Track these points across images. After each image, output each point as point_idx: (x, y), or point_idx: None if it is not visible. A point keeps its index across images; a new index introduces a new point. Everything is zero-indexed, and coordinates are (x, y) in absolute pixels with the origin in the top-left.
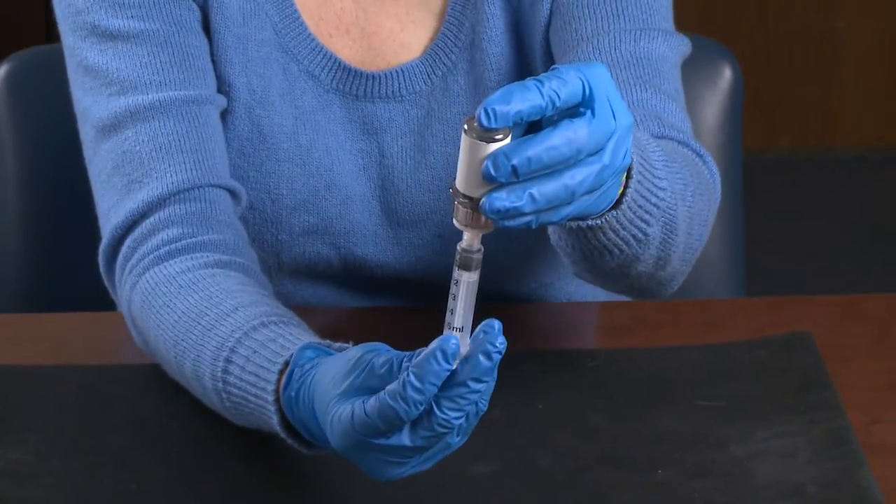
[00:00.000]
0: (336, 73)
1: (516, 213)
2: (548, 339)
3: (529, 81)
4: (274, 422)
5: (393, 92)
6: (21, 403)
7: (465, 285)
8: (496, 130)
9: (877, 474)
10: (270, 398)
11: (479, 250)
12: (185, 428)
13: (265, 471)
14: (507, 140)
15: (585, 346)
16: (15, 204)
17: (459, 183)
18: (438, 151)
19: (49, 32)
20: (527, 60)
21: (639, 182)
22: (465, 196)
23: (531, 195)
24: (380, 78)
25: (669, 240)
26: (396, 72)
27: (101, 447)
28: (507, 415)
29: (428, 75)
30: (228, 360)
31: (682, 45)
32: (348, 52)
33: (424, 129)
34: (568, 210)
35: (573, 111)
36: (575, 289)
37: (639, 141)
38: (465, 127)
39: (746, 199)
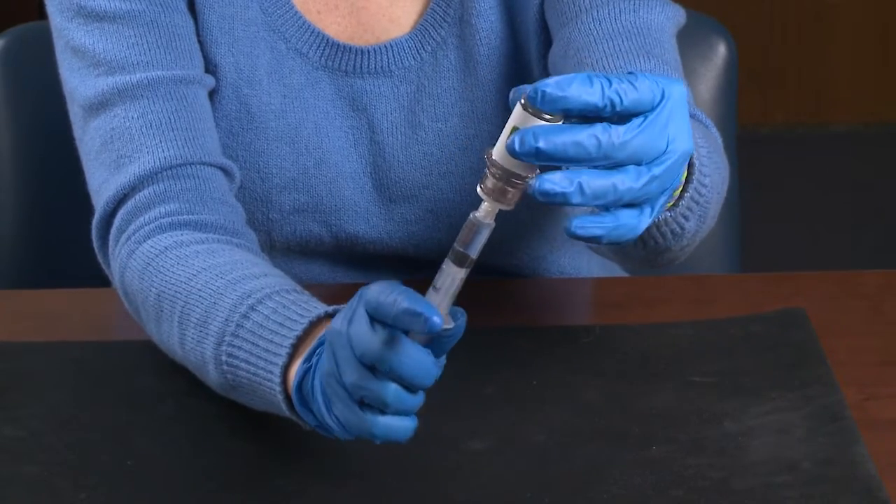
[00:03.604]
0: (324, 49)
1: (563, 199)
2: (542, 315)
3: (598, 78)
4: (278, 367)
5: (382, 67)
6: (16, 380)
7: (450, 278)
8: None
9: (871, 450)
10: (288, 342)
11: (489, 226)
12: (181, 405)
13: (262, 448)
14: (559, 122)
15: (580, 322)
16: (10, 180)
17: (497, 151)
18: (430, 127)
19: (42, 9)
20: (518, 35)
21: (693, 189)
22: (499, 167)
23: (580, 186)
24: (369, 53)
25: (701, 229)
26: (385, 47)
27: (97, 424)
28: (501, 391)
29: (417, 51)
30: (252, 308)
31: (677, 15)
32: (336, 28)
33: (415, 105)
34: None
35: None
36: (568, 261)
37: (693, 137)
38: (522, 100)
39: (741, 175)
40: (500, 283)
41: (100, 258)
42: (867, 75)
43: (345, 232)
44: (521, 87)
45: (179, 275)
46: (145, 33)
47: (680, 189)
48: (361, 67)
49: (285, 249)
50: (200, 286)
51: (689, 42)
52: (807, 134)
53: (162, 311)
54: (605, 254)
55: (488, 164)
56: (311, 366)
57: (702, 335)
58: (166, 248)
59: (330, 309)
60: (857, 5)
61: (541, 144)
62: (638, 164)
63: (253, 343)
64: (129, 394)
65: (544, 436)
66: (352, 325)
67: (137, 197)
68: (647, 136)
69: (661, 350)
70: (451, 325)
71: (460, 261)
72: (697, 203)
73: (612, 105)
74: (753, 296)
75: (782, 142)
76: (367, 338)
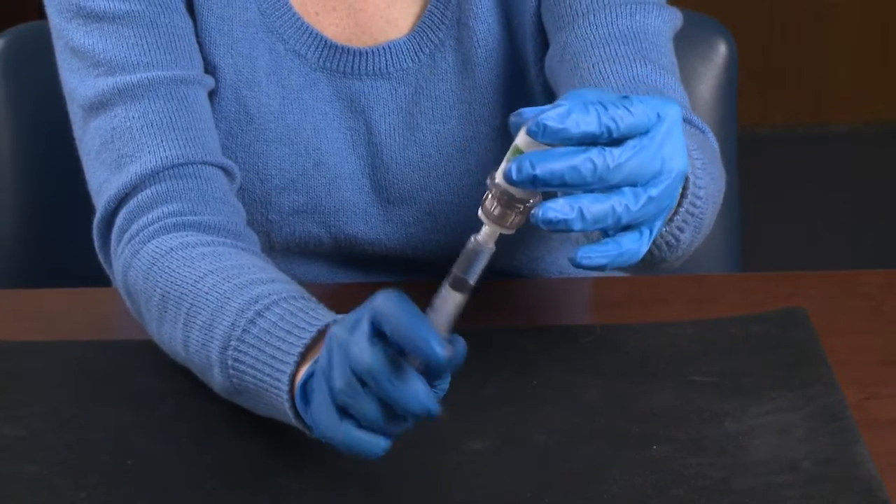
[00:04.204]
0: (322, 51)
1: (565, 226)
2: (542, 315)
3: (593, 105)
4: (286, 374)
5: (380, 69)
6: (16, 379)
7: (449, 302)
8: None
9: (871, 449)
10: (296, 350)
11: (489, 250)
12: (181, 404)
13: (263, 447)
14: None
15: (580, 322)
16: (10, 180)
17: (500, 174)
18: (427, 129)
19: (41, 9)
20: (515, 38)
21: (689, 202)
22: (501, 190)
23: (580, 211)
24: (367, 54)
25: (696, 238)
26: (383, 48)
27: (97, 423)
28: (501, 391)
29: (415, 53)
30: (259, 314)
31: (674, 18)
32: (334, 29)
33: (413, 107)
34: (612, 251)
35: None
36: (567, 262)
37: (688, 150)
38: (527, 127)
39: (741, 175)
40: (500, 283)
41: (101, 257)
42: (867, 75)
43: (344, 233)
44: (523, 110)
45: (186, 276)
46: (145, 34)
47: (675, 204)
48: (359, 69)
49: (284, 250)
50: (207, 289)
51: (690, 42)
52: (807, 134)
53: (166, 311)
54: None
55: (490, 187)
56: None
57: (702, 335)
58: (172, 248)
59: (339, 317)
60: (857, 5)
61: (538, 172)
62: (634, 185)
63: (259, 349)
64: (130, 393)
65: (544, 436)
66: (353, 332)
67: (140, 196)
68: (641, 158)
69: (661, 350)
70: (450, 353)
71: (458, 286)
72: (693, 215)
73: (609, 131)
74: (754, 295)
75: (782, 142)
76: (365, 352)
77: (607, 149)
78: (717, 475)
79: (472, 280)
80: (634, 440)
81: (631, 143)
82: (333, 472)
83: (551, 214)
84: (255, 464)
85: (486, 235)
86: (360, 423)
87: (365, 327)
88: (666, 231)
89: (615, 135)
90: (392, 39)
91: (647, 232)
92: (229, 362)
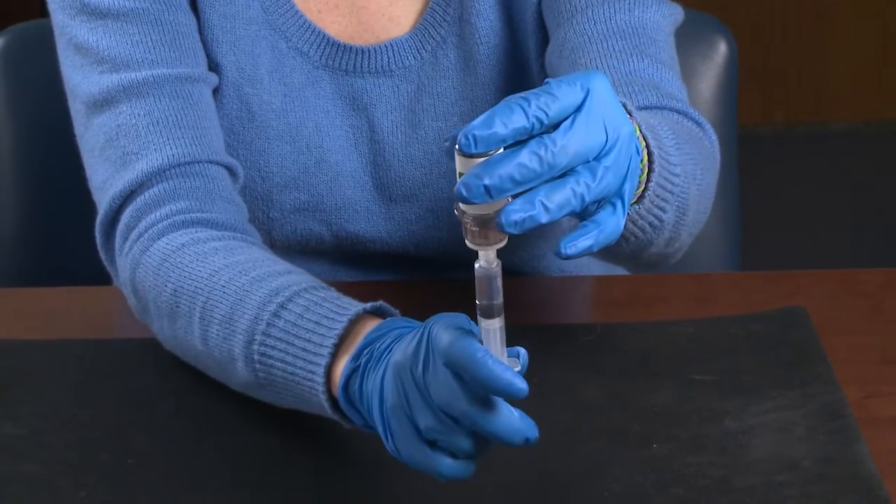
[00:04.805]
0: (325, 48)
1: (533, 222)
2: (542, 313)
3: (515, 102)
4: (321, 367)
5: (382, 67)
6: (16, 378)
7: (490, 333)
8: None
9: (871, 448)
10: (329, 341)
11: (498, 267)
12: (181, 403)
13: (263, 446)
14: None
15: (580, 321)
16: (10, 180)
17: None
18: (429, 126)
19: (43, 7)
20: (517, 34)
21: (660, 175)
22: (470, 216)
23: (542, 203)
24: (369, 52)
25: (681, 221)
26: (385, 46)
27: (97, 422)
28: None
29: (417, 50)
30: (282, 307)
31: (675, 13)
32: (337, 27)
33: (415, 104)
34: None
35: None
36: (567, 260)
37: (653, 128)
38: (458, 145)
39: (741, 174)
40: None
41: (102, 255)
42: (867, 74)
43: (345, 231)
44: (451, 136)
45: (200, 271)
46: (149, 31)
47: (646, 178)
48: (362, 67)
49: (286, 248)
50: (224, 283)
51: (690, 41)
52: (807, 133)
53: (178, 306)
54: (595, 257)
55: (460, 217)
56: (358, 365)
57: (702, 333)
58: (183, 244)
59: (368, 306)
60: (857, 4)
61: (486, 182)
62: (586, 162)
63: (288, 342)
64: (130, 392)
65: (545, 434)
66: (427, 372)
67: (146, 194)
68: (583, 132)
69: (661, 348)
70: (518, 367)
71: (488, 313)
72: (672, 193)
73: (540, 121)
74: (754, 294)
75: (782, 141)
76: (455, 396)
77: (545, 135)
78: (717, 474)
79: (498, 300)
80: (635, 439)
81: (566, 122)
82: (335, 470)
83: (514, 216)
84: (255, 462)
85: (485, 260)
86: (453, 454)
87: (442, 370)
88: (645, 211)
89: (548, 122)
90: (394, 37)
91: (619, 203)
92: (255, 357)
